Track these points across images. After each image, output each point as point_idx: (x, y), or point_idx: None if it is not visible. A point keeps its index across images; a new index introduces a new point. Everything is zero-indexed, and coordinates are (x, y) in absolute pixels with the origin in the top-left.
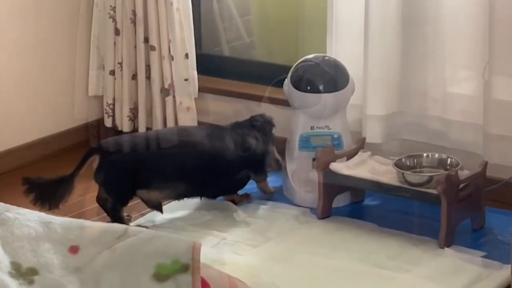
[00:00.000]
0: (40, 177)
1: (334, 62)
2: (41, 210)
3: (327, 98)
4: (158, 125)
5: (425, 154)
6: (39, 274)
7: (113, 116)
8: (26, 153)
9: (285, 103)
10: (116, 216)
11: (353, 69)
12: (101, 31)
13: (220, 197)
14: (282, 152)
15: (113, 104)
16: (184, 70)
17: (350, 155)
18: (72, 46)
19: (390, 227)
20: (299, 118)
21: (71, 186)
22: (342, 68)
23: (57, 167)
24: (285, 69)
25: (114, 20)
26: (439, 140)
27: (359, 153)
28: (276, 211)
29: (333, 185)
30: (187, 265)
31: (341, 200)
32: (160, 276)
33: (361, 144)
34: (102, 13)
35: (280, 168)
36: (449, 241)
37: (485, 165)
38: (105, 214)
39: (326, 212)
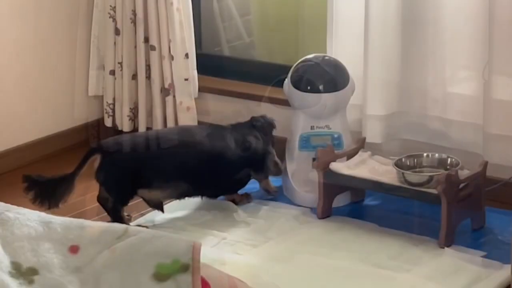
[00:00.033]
0: (41, 175)
1: (334, 62)
2: (40, 208)
3: (327, 98)
4: (158, 125)
5: (425, 154)
6: (39, 274)
7: (113, 116)
8: (26, 153)
9: (285, 103)
10: (116, 216)
11: (353, 69)
12: (101, 31)
13: (221, 197)
14: (281, 155)
15: (113, 104)
16: (184, 70)
17: (350, 155)
18: (72, 46)
19: (390, 227)
20: (299, 118)
21: (71, 185)
22: (342, 68)
23: (57, 167)
24: (285, 69)
25: (114, 20)
26: (439, 140)
27: (359, 153)
28: (276, 211)
29: (333, 185)
30: (187, 265)
31: (341, 200)
32: (160, 276)
33: (361, 144)
34: (102, 13)
35: (279, 172)
36: (449, 241)
37: (485, 165)
38: (105, 213)
39: (326, 212)
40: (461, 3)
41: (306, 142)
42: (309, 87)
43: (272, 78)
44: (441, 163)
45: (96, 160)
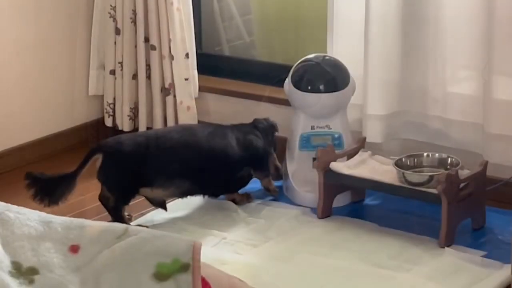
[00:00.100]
0: (43, 173)
1: (334, 62)
2: (40, 205)
3: (327, 98)
4: (158, 125)
5: (425, 154)
6: (39, 274)
7: (114, 116)
8: (26, 153)
9: (285, 102)
10: (117, 215)
11: (354, 69)
12: (101, 30)
13: (221, 197)
14: (282, 157)
15: (114, 104)
16: (185, 70)
17: (350, 155)
18: (72, 46)
19: (391, 227)
20: (299, 118)
21: (72, 184)
22: (343, 68)
23: (57, 166)
24: (285, 68)
25: (114, 19)
26: (439, 139)
27: (360, 152)
28: (276, 210)
29: (333, 185)
30: (188, 265)
31: (341, 200)
32: (160, 275)
33: (361, 144)
34: (102, 13)
35: (280, 177)
36: (449, 241)
37: (485, 164)
38: (106, 213)
39: (326, 212)
40: (461, 3)
41: (306, 142)
42: (309, 87)
43: (272, 78)
44: (441, 163)
45: (98, 160)
